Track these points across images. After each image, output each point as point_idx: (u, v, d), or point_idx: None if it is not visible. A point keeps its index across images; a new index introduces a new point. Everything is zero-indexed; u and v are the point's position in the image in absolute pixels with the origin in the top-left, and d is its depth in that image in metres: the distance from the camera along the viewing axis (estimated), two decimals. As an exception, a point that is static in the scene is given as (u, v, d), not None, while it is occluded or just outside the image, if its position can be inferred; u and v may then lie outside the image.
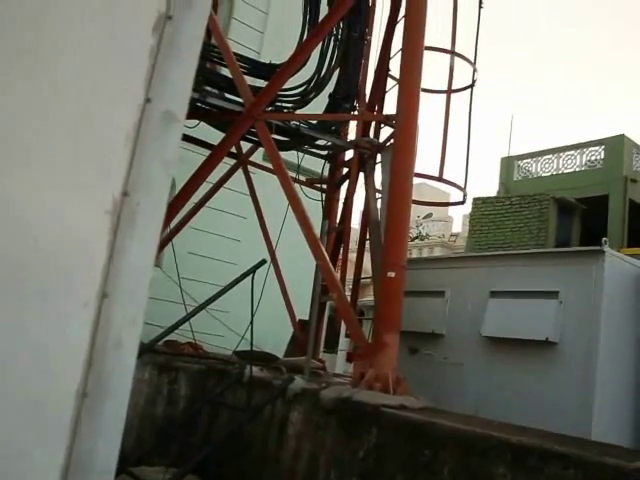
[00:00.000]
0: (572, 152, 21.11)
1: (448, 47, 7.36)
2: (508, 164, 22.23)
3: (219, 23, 7.63)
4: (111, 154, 2.16)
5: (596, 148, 20.55)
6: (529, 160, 22.15)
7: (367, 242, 7.28)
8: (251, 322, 7.52)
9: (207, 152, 7.68)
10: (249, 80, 7.10)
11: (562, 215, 19.32)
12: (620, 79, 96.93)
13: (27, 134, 1.95)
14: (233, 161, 8.66)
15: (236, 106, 6.80)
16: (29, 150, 1.95)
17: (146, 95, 2.22)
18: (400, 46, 6.32)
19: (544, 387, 5.81)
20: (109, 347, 2.01)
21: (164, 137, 2.27)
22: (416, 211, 24.49)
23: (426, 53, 6.28)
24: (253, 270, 7.20)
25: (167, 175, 2.31)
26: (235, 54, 7.08)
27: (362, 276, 7.76)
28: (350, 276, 8.16)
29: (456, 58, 7.36)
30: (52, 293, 1.91)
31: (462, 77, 7.51)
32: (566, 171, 21.04)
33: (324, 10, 7.65)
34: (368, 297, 8.94)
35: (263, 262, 7.60)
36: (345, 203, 8.01)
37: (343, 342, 18.27)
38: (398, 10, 6.93)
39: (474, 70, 7.34)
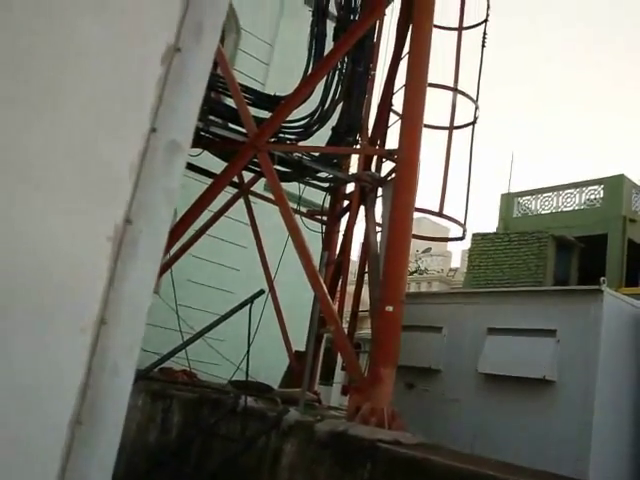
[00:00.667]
0: (572, 190, 21.20)
1: (451, 84, 7.44)
2: (508, 201, 22.31)
3: (226, 54, 7.73)
4: (115, 181, 2.17)
5: (595, 187, 20.66)
6: (529, 197, 22.24)
7: (366, 275, 7.28)
8: (247, 352, 7.49)
9: (208, 180, 7.73)
10: (253, 111, 7.17)
11: (561, 253, 19.34)
12: (621, 119, 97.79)
13: (33, 158, 1.96)
14: (234, 190, 8.70)
15: (239, 136, 6.85)
16: (34, 174, 1.96)
17: (152, 125, 2.24)
18: (404, 82, 6.40)
19: (541, 425, 5.76)
20: (105, 375, 2.00)
21: (168, 166, 2.28)
22: (415, 245, 24.50)
23: (429, 89, 6.35)
24: (251, 300, 7.18)
25: (170, 204, 2.32)
26: (240, 85, 7.15)
27: (360, 309, 7.74)
28: (348, 308, 8.14)
29: (458, 95, 7.44)
30: (50, 318, 1.91)
31: (464, 113, 7.59)
32: (565, 209, 21.12)
33: (329, 44, 7.76)
34: (365, 330, 8.91)
35: (261, 292, 7.59)
36: (345, 235, 8.02)
37: (339, 374, 18.14)
38: (402, 47, 7.02)
39: (476, 107, 7.41)
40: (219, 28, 2.57)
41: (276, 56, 13.45)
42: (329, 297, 6.49)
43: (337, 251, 8.28)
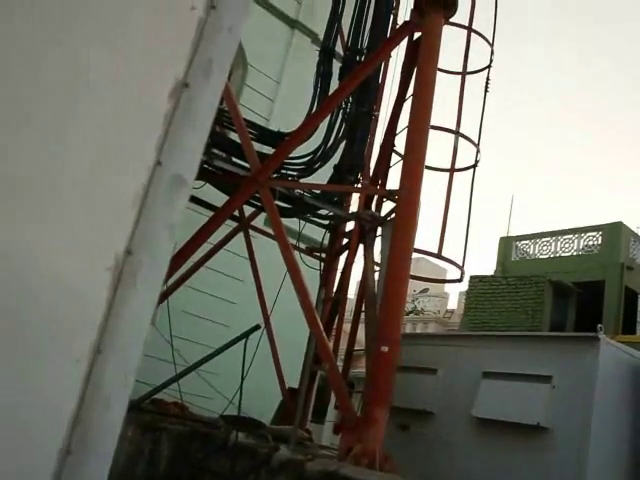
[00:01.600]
0: (570, 236, 21.30)
1: (453, 125, 7.51)
2: (506, 244, 22.38)
3: (232, 89, 7.82)
4: (118, 211, 2.19)
5: (594, 234, 20.75)
6: (527, 241, 22.32)
7: (363, 314, 7.27)
8: (240, 386, 7.43)
9: (208, 211, 7.76)
10: (256, 146, 7.23)
11: (558, 298, 19.34)
12: (620, 166, 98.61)
13: (38, 186, 1.98)
14: (234, 223, 8.73)
15: (242, 170, 6.90)
16: (38, 201, 1.97)
17: (157, 158, 2.27)
18: (407, 123, 6.47)
19: (535, 472, 5.70)
20: (98, 405, 1.99)
21: (171, 200, 2.30)
22: (412, 285, 24.47)
23: (431, 131, 6.42)
24: (246, 335, 7.15)
25: (171, 237, 2.34)
26: (245, 120, 7.22)
27: (355, 348, 7.71)
28: (343, 346, 8.11)
29: (460, 138, 7.50)
30: (45, 346, 1.90)
31: (466, 156, 7.64)
32: (563, 254, 21.18)
33: (334, 84, 7.87)
34: (360, 368, 8.86)
35: (257, 327, 7.57)
36: (343, 273, 8.04)
37: (331, 413, 17.97)
38: (407, 89, 7.11)
39: (477, 151, 7.47)
40: (228, 65, 2.62)
41: (281, 92, 13.61)
42: (325, 334, 6.47)
43: (334, 289, 8.28)
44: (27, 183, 1.97)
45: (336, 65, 8.13)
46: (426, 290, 36.68)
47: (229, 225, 8.45)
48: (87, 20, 2.14)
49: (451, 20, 6.81)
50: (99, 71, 2.19)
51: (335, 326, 7.90)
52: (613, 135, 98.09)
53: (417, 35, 6.78)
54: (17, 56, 1.94)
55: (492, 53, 8.16)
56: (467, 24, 7.72)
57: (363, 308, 7.30)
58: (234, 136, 7.36)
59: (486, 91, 8.18)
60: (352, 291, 11.14)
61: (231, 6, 2.48)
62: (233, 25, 2.52)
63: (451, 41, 7.13)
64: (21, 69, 1.96)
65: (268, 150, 7.55)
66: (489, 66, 8.18)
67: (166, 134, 2.29)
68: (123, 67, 2.28)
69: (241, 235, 8.79)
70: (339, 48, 8.41)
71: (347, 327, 8.10)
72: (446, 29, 6.70)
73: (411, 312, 34.04)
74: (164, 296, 7.65)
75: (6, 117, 1.91)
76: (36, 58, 1.99)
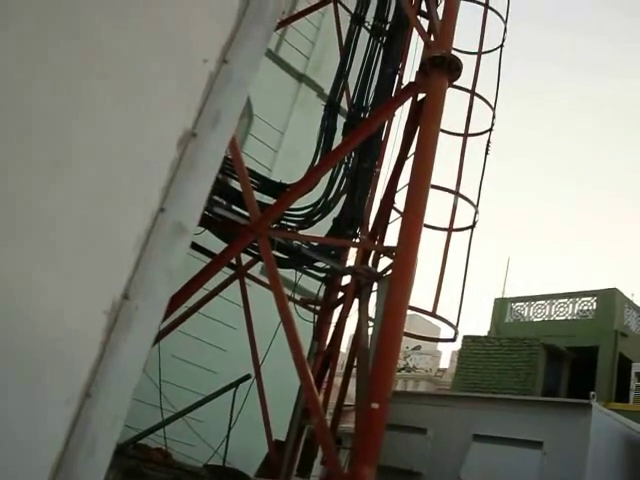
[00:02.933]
0: (565, 300, 21.31)
1: (453, 184, 7.56)
2: (501, 305, 22.36)
3: (237, 138, 7.92)
4: (119, 255, 2.19)
5: (588, 299, 20.78)
6: (522, 304, 22.32)
7: (354, 369, 7.21)
8: (227, 436, 7.34)
9: (205, 256, 7.76)
10: (257, 195, 7.29)
11: (551, 362, 19.24)
12: (618, 231, 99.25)
13: (40, 225, 1.99)
14: (230, 270, 8.73)
15: (241, 219, 6.93)
16: (38, 240, 1.98)
17: (161, 204, 2.29)
18: (407, 181, 6.53)
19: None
20: (82, 450, 1.96)
21: (172, 247, 2.31)
22: (405, 342, 24.34)
23: (431, 190, 6.48)
24: (236, 384, 7.11)
25: (169, 283, 2.34)
26: (247, 169, 7.29)
27: (345, 403, 7.63)
28: (333, 400, 8.03)
29: (460, 198, 7.56)
30: (35, 386, 1.88)
31: (464, 216, 7.68)
32: (558, 318, 21.16)
33: (338, 138, 7.98)
34: (349, 424, 8.74)
35: (247, 377, 7.51)
36: (337, 327, 8.01)
37: (317, 468, 17.67)
38: (409, 147, 7.20)
39: (476, 212, 7.53)
40: (236, 117, 2.67)
41: (285, 144, 13.79)
42: (315, 388, 6.41)
43: (327, 342, 8.24)
44: (29, 222, 1.98)
45: (340, 120, 8.26)
46: (419, 347, 36.46)
47: (225, 272, 8.45)
48: (101, 65, 2.18)
49: (455, 83, 6.94)
50: (109, 115, 2.22)
51: (326, 380, 7.83)
52: (612, 197, 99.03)
53: (421, 96, 6.89)
54: (26, 96, 1.97)
55: (494, 117, 8.29)
56: (471, 86, 7.87)
57: (355, 363, 7.25)
58: (236, 184, 7.43)
59: (486, 153, 8.29)
60: (345, 345, 11.08)
61: (243, 61, 2.54)
62: (243, 79, 2.58)
63: (454, 100, 7.25)
64: (29, 110, 1.98)
65: (268, 200, 7.62)
66: (490, 129, 8.31)
67: (171, 181, 2.32)
68: (133, 113, 2.32)
69: (236, 282, 8.78)
70: (344, 104, 8.57)
71: (338, 381, 8.03)
72: (450, 89, 6.83)
73: (403, 369, 33.77)
74: (156, 340, 7.58)
75: (13, 156, 1.93)
76: (46, 98, 2.02)
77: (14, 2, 1.87)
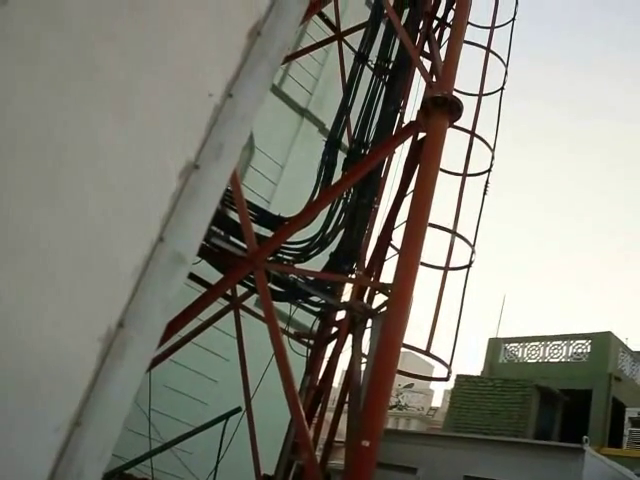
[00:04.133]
0: (559, 342, 21.27)
1: (451, 223, 7.58)
2: (495, 345, 22.29)
3: (237, 170, 7.97)
4: (116, 283, 2.20)
5: (583, 342, 20.74)
6: (516, 344, 22.26)
7: (346, 405, 7.16)
8: (215, 469, 7.25)
9: (199, 285, 7.75)
10: (255, 227, 7.31)
11: (544, 404, 19.13)
12: (614, 273, 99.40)
13: (37, 251, 1.99)
14: (224, 301, 8.70)
15: (238, 250, 6.94)
16: (36, 265, 1.98)
17: (160, 234, 2.30)
18: (405, 218, 6.56)
19: None
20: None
21: (169, 277, 2.32)
22: (398, 379, 24.20)
23: (429, 228, 6.50)
24: (226, 417, 7.04)
25: (165, 313, 2.34)
26: (246, 201, 7.33)
27: (336, 439, 7.56)
28: (324, 436, 7.95)
29: (457, 237, 7.58)
30: (24, 412, 1.87)
31: (461, 250, 7.69)
32: (552, 360, 21.09)
33: (338, 173, 8.04)
34: (338, 460, 8.65)
35: (238, 410, 7.45)
36: (330, 362, 7.97)
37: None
38: (408, 185, 7.25)
39: (472, 252, 7.55)
40: (239, 151, 2.69)
41: (285, 177, 13.86)
42: (306, 423, 6.35)
43: (320, 377, 8.19)
44: (27, 247, 1.98)
45: (341, 155, 8.33)
46: (411, 385, 36.22)
47: (220, 303, 8.43)
48: (105, 94, 2.21)
49: (455, 123, 7.02)
50: (111, 143, 2.24)
51: (317, 415, 7.77)
52: (611, 240, 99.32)
53: (421, 135, 6.96)
54: (30, 123, 1.98)
55: (492, 158, 8.35)
56: (471, 126, 7.95)
57: (347, 399, 7.20)
58: (234, 215, 7.45)
59: (484, 193, 8.34)
60: (337, 380, 11.01)
61: (247, 96, 2.57)
62: (247, 114, 2.61)
63: (454, 138, 7.31)
64: (31, 136, 2.00)
65: (266, 232, 7.64)
66: (489, 170, 8.37)
67: (171, 211, 2.33)
68: (136, 143, 2.34)
69: (230, 313, 8.75)
70: (345, 140, 8.65)
71: (329, 417, 7.96)
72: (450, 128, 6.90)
73: (394, 406, 33.50)
74: (148, 368, 7.52)
75: (13, 181, 1.94)
76: (48, 126, 2.04)
77: (23, 30, 1.90)
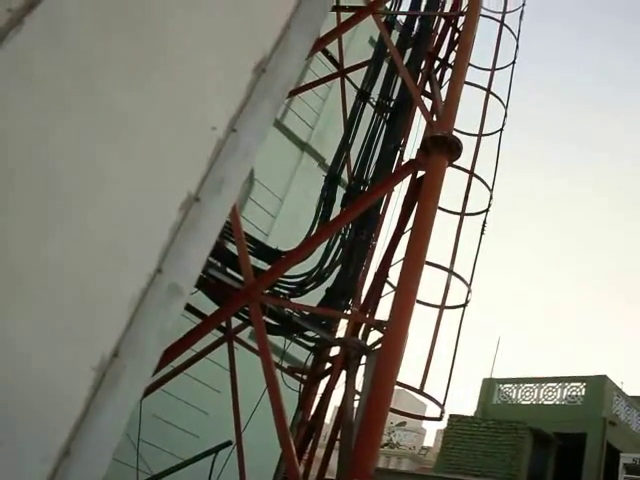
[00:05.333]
0: (554, 385, 21.14)
1: (447, 259, 7.59)
2: (489, 386, 22.14)
3: (236, 201, 7.99)
4: (112, 313, 2.20)
5: (578, 384, 20.61)
6: (510, 385, 22.12)
7: (337, 442, 7.10)
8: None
9: (192, 315, 7.72)
10: (252, 260, 7.31)
11: (537, 447, 18.95)
12: (611, 317, 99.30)
13: (36, 277, 1.99)
14: (218, 332, 8.66)
15: (235, 282, 6.94)
16: (34, 291, 1.98)
17: (159, 265, 2.31)
18: (402, 255, 6.58)
19: None
20: (53, 514, 1.91)
21: (166, 308, 2.32)
22: (390, 417, 24.01)
23: (425, 266, 6.51)
24: (216, 450, 6.96)
25: (160, 344, 2.34)
26: (244, 233, 7.34)
27: (326, 477, 7.46)
28: (314, 473, 7.85)
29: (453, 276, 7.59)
30: (12, 440, 1.85)
31: (457, 289, 7.67)
32: (546, 403, 20.94)
33: (336, 209, 8.08)
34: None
35: (228, 444, 7.37)
36: (322, 398, 7.91)
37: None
38: (406, 222, 7.28)
39: (469, 291, 7.54)
40: (240, 184, 2.72)
41: (284, 210, 13.92)
42: (296, 459, 6.29)
43: (312, 413, 8.12)
44: (27, 272, 1.99)
45: (340, 191, 8.38)
46: (403, 423, 35.87)
47: (214, 334, 8.40)
48: (109, 127, 2.23)
49: (455, 162, 7.08)
50: (113, 175, 2.26)
51: (308, 451, 7.69)
52: (608, 284, 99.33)
53: (421, 173, 7.01)
54: (34, 153, 2.00)
55: (491, 198, 8.40)
56: (470, 166, 8.01)
57: (339, 436, 7.13)
58: (231, 247, 7.46)
59: (482, 233, 8.37)
60: (329, 416, 10.93)
61: (250, 131, 2.61)
62: (249, 148, 2.64)
63: (452, 176, 7.36)
64: (34, 165, 2.01)
65: (262, 265, 7.64)
66: (487, 210, 8.40)
67: (171, 243, 2.34)
68: (138, 175, 2.36)
69: (224, 345, 8.70)
70: (345, 175, 8.71)
71: (320, 453, 7.87)
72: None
73: (386, 445, 33.14)
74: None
75: (13, 210, 1.95)
76: (52, 155, 2.06)
77: (33, 65, 1.94)
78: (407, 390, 7.19)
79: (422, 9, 9.24)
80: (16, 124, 1.91)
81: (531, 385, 21.57)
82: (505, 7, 9.54)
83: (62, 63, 2.05)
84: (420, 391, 6.71)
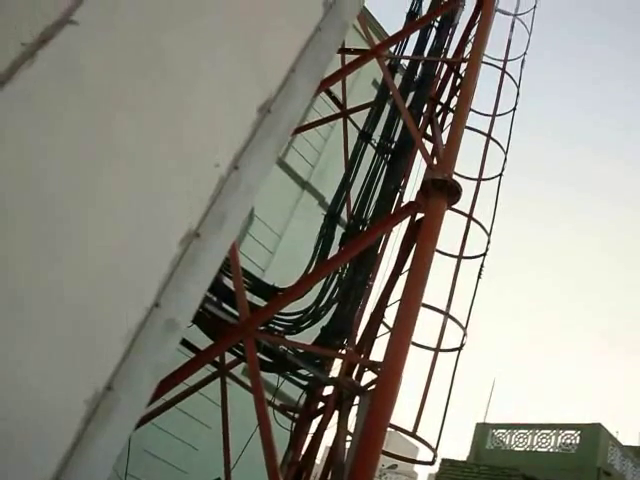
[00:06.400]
0: (548, 431, 20.96)
1: (443, 300, 7.59)
2: (483, 431, 21.95)
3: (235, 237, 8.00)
4: (107, 346, 2.20)
5: (572, 432, 20.43)
6: (504, 431, 21.93)
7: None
8: None
9: (185, 349, 7.68)
10: (248, 295, 7.30)
11: (531, 494, 18.70)
12: (607, 366, 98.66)
13: (33, 306, 2.00)
14: (211, 366, 8.60)
15: (230, 317, 6.93)
16: (30, 320, 1.98)
17: (156, 300, 2.31)
18: (399, 296, 6.58)
19: None
20: None
21: (162, 342, 2.32)
22: (381, 459, 23.68)
23: (422, 309, 6.51)
24: (205, 487, 6.85)
25: (155, 378, 2.33)
26: (242, 269, 7.35)
27: (315, 518, 7.36)
28: (303, 514, 7.74)
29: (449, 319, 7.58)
30: (2, 471, 1.85)
31: (452, 331, 7.66)
32: (540, 449, 20.72)
33: (335, 247, 8.09)
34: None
35: (217, 481, 7.27)
36: (314, 438, 7.83)
37: None
38: (404, 264, 7.31)
39: (464, 334, 7.53)
40: (241, 221, 2.74)
41: (282, 247, 13.95)
42: (286, 499, 6.21)
43: (303, 452, 8.03)
44: (25, 303, 1.99)
45: (339, 230, 8.41)
46: (395, 466, 35.35)
47: (207, 369, 8.35)
48: (113, 158, 2.26)
49: (454, 206, 7.13)
50: (115, 205, 2.28)
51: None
52: (607, 333, 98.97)
53: (420, 215, 7.06)
54: (39, 182, 2.02)
55: (488, 242, 8.43)
56: (469, 209, 8.06)
57: (329, 477, 7.05)
58: (228, 281, 7.46)
59: (479, 277, 8.38)
60: (320, 456, 10.79)
61: (253, 169, 2.64)
62: (251, 186, 2.67)
63: (451, 219, 7.40)
64: (39, 193, 2.03)
65: (258, 301, 7.63)
66: (484, 254, 8.43)
67: (169, 278, 2.35)
68: (139, 207, 2.38)
69: (216, 379, 8.63)
70: (344, 214, 8.75)
71: (310, 494, 7.77)
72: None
73: (377, 487, 32.64)
74: (129, 432, 7.37)
75: (12, 238, 1.96)
76: (57, 185, 2.08)
77: (43, 99, 1.97)
78: (400, 432, 7.13)
79: (425, 54, 9.39)
80: (24, 153, 1.94)
81: (525, 431, 21.39)
82: (507, 56, 9.71)
83: (71, 98, 2.09)
84: (413, 434, 6.66)
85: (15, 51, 1.88)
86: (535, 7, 10.52)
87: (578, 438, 20.00)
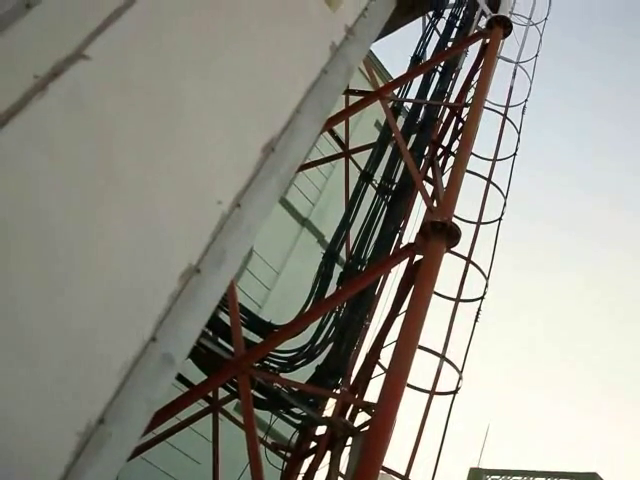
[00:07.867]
0: (542, 479, 20.63)
1: (440, 342, 7.54)
2: (476, 476, 21.59)
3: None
4: (101, 379, 2.19)
5: (567, 481, 20.12)
6: (498, 477, 21.57)
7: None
8: None
9: (178, 383, 7.61)
10: (244, 331, 7.28)
11: None
12: (601, 415, 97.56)
13: (32, 338, 2.00)
14: (203, 401, 8.52)
15: (225, 353, 6.89)
16: (27, 351, 1.98)
17: (153, 334, 2.32)
18: (395, 337, 6.56)
19: None
20: None
21: (157, 377, 2.32)
22: (373, 502, 23.28)
23: (418, 350, 6.48)
24: (193, 525, 6.73)
25: (148, 413, 2.32)
26: (239, 304, 7.34)
27: None
28: None
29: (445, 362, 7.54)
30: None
31: (448, 373, 7.59)
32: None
33: (333, 286, 8.09)
34: None
35: (205, 519, 7.14)
36: (305, 478, 7.73)
37: None
38: (401, 305, 7.29)
39: (460, 378, 7.48)
40: (241, 258, 2.76)
41: (279, 283, 13.96)
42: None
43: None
44: (22, 333, 1.99)
45: (337, 269, 8.41)
46: (386, 510, 34.83)
47: (199, 404, 8.27)
48: (118, 193, 2.28)
49: (453, 249, 7.14)
50: (119, 242, 2.29)
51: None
52: (606, 383, 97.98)
53: (418, 257, 7.07)
54: (43, 216, 2.04)
55: (486, 286, 8.42)
56: (467, 252, 8.07)
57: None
58: (224, 316, 7.44)
59: (476, 320, 8.35)
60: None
61: (255, 207, 2.67)
62: (252, 224, 2.69)
63: (450, 261, 7.40)
64: (43, 228, 2.05)
65: (254, 337, 7.60)
66: (482, 297, 8.42)
67: (167, 313, 2.36)
68: (143, 243, 2.39)
69: (208, 415, 8.55)
70: (343, 253, 8.77)
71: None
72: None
73: (366, 531, 32.05)
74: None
75: (7, 269, 1.97)
76: (61, 218, 2.09)
77: (52, 130, 2.00)
78: (392, 476, 7.05)
79: (428, 98, 9.51)
80: (28, 184, 1.96)
81: (519, 478, 21.05)
82: (508, 102, 9.82)
83: (79, 129, 2.12)
84: (406, 478, 6.58)
85: (28, 83, 1.91)
86: (537, 56, 10.69)
87: (573, 488, 19.71)
